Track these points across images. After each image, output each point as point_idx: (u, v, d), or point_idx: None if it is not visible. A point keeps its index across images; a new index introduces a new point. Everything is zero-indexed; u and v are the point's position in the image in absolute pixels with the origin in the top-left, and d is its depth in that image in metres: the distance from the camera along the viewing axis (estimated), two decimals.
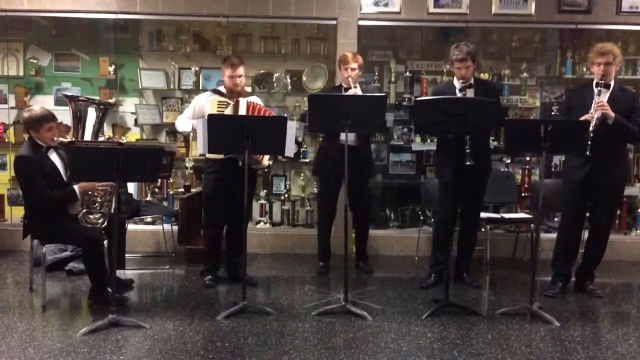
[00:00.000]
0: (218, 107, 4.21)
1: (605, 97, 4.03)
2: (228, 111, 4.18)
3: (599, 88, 4.01)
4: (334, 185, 4.76)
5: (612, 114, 3.93)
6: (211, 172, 4.36)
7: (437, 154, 4.68)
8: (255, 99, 4.46)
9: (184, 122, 4.40)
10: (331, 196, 4.83)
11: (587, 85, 4.21)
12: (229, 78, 4.28)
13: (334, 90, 4.77)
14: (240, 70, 4.29)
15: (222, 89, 4.40)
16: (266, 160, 4.39)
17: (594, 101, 3.96)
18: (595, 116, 3.91)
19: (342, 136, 4.52)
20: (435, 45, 5.99)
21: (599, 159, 3.96)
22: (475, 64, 4.30)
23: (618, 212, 5.63)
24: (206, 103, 4.27)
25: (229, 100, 4.23)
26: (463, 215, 4.46)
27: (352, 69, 4.56)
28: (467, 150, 3.95)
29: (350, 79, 4.53)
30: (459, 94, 4.17)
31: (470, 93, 4.17)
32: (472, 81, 4.22)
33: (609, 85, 4.06)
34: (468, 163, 3.91)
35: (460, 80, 4.17)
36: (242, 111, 4.17)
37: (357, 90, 4.53)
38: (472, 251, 4.57)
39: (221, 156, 4.19)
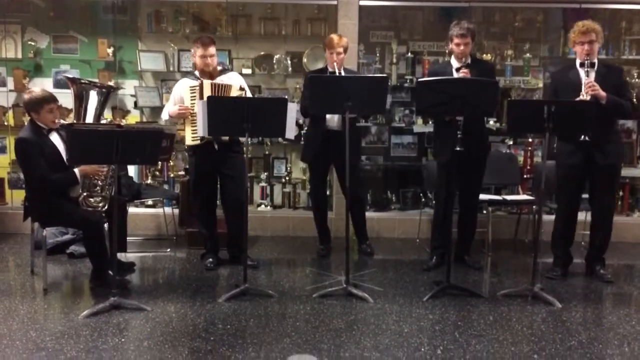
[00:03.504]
0: (191, 94, 4.21)
1: (591, 76, 3.95)
2: (197, 96, 4.17)
3: (585, 69, 3.94)
4: (320, 170, 4.73)
5: (604, 94, 3.86)
6: (192, 155, 4.38)
7: (434, 135, 4.65)
8: (234, 76, 4.43)
9: (165, 112, 4.43)
10: (318, 180, 4.80)
11: (570, 66, 4.16)
12: (200, 58, 4.23)
13: (322, 72, 4.66)
14: (212, 49, 4.24)
15: (197, 72, 4.37)
16: None
17: (583, 83, 3.90)
18: (587, 99, 3.84)
19: (329, 122, 4.51)
20: (437, 25, 5.91)
21: (595, 141, 3.90)
22: (474, 42, 4.24)
23: (621, 193, 5.64)
24: (183, 91, 4.29)
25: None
26: (462, 198, 4.43)
27: (338, 53, 4.45)
28: (459, 136, 3.85)
29: (335, 63, 4.44)
30: (455, 74, 4.12)
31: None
32: (469, 61, 4.17)
33: (594, 64, 3.99)
34: (458, 149, 3.82)
35: (458, 60, 4.12)
36: (207, 93, 4.12)
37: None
38: (473, 233, 4.55)
39: (198, 141, 4.19)
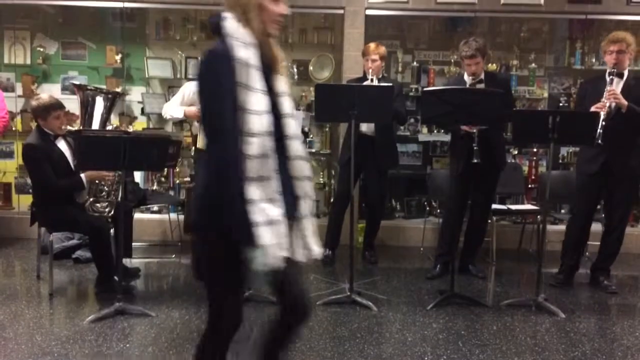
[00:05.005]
0: None
1: (619, 86, 3.95)
2: None
3: (611, 77, 3.94)
4: (350, 173, 4.74)
5: (625, 102, 3.86)
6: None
7: (450, 148, 4.64)
8: None
9: (173, 109, 4.28)
10: (346, 183, 4.80)
11: (601, 76, 4.13)
12: None
13: (359, 80, 4.68)
14: None
15: None
16: None
17: (605, 90, 3.90)
18: (607, 105, 3.85)
19: (362, 126, 4.51)
20: (443, 35, 5.95)
21: (614, 150, 3.90)
22: (485, 59, 4.22)
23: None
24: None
25: None
26: (473, 208, 4.43)
27: (373, 60, 4.48)
28: (475, 148, 3.84)
29: (370, 70, 4.48)
30: None
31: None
32: (482, 76, 4.15)
33: (622, 74, 3.98)
34: (475, 161, 3.82)
35: (471, 77, 4.12)
36: None
37: (374, 83, 4.43)
38: (480, 244, 4.56)
39: None
